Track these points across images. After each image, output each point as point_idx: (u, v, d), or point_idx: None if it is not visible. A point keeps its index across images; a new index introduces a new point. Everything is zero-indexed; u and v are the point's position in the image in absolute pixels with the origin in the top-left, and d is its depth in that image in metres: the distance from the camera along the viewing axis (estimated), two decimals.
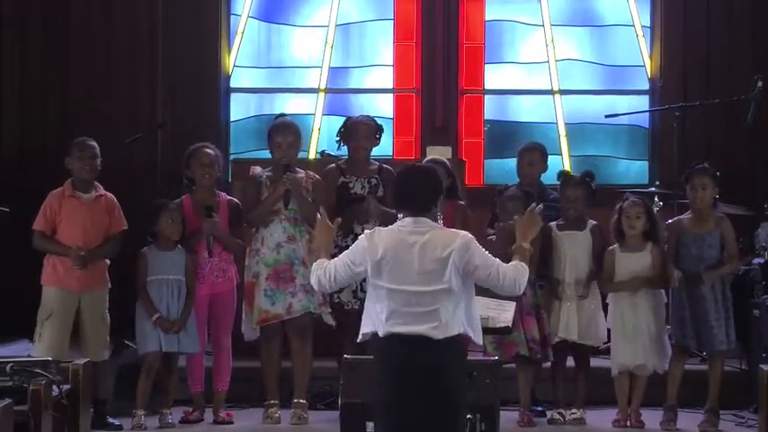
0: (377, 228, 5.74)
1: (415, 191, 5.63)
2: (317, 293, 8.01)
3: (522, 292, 5.85)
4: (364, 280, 7.79)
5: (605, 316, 8.17)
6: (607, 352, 8.27)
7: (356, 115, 8.82)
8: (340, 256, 5.77)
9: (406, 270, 5.49)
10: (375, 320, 5.59)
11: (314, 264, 5.86)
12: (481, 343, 5.84)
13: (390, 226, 5.69)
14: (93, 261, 7.97)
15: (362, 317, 5.74)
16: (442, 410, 5.48)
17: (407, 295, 5.48)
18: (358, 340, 5.79)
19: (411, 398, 5.45)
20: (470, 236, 5.63)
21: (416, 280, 5.48)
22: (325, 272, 5.74)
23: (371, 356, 5.76)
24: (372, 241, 5.57)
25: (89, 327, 7.98)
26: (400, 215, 5.67)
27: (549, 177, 8.73)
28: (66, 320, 7.93)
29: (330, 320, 8.09)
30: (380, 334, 5.54)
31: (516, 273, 5.64)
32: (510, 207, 7.99)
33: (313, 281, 5.85)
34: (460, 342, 5.58)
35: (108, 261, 8.13)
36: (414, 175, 5.79)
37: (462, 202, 8.34)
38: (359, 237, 5.75)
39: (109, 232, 8.08)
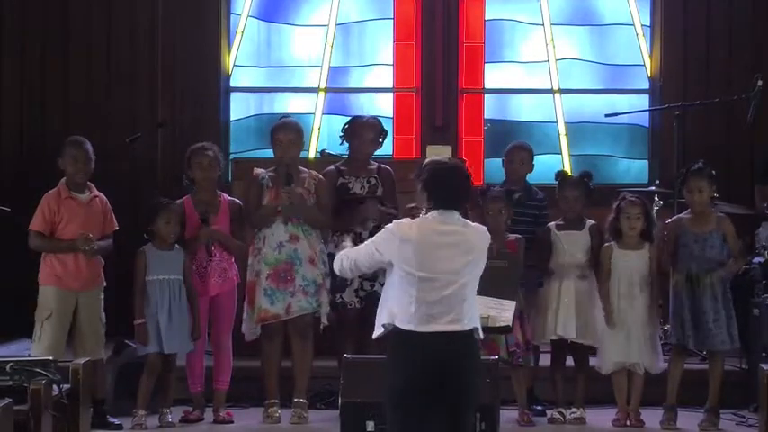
0: (405, 219, 5.80)
1: (454, 188, 5.71)
2: (318, 294, 8.03)
3: None
4: (366, 278, 7.79)
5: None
6: None
7: (363, 115, 8.78)
8: (365, 243, 5.84)
9: (438, 258, 5.55)
10: (398, 310, 5.59)
11: (340, 252, 5.94)
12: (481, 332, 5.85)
13: (417, 218, 5.73)
14: (98, 252, 7.98)
15: (379, 308, 5.73)
16: (459, 404, 5.54)
17: (438, 284, 5.53)
18: (374, 336, 5.75)
19: (429, 391, 5.48)
20: (487, 231, 5.79)
21: (448, 269, 5.55)
22: (348, 258, 5.84)
23: (374, 354, 5.75)
24: (402, 230, 5.63)
25: (87, 325, 7.97)
26: (424, 209, 5.72)
27: (548, 177, 8.74)
28: (64, 320, 7.92)
29: (325, 320, 8.08)
30: (405, 327, 5.54)
31: None
32: (494, 208, 8.01)
33: (336, 266, 5.93)
34: (476, 337, 5.66)
35: (102, 261, 8.13)
36: (450, 170, 5.80)
37: (479, 203, 8.34)
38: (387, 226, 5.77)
39: (103, 233, 8.08)
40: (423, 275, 5.55)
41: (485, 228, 5.81)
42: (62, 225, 7.98)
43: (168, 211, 8.06)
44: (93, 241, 7.91)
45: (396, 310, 5.62)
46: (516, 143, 9.03)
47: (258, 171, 8.25)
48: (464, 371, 5.53)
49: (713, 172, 8.08)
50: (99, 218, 8.07)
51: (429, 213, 5.68)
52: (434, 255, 5.56)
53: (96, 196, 8.10)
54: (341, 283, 8.04)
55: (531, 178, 8.72)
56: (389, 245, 5.64)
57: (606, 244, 8.14)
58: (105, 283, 8.10)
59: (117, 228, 8.14)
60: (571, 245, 8.17)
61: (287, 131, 8.18)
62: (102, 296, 8.07)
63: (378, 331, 5.72)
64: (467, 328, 5.59)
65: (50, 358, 6.14)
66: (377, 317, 5.75)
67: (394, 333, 5.61)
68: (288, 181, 8.02)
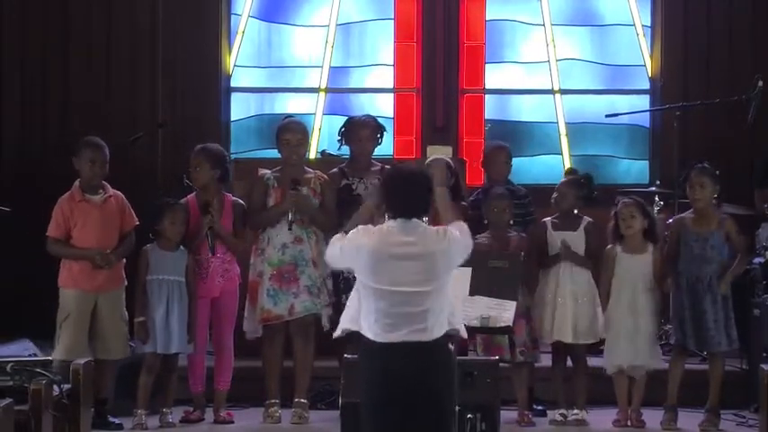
0: (367, 226, 5.64)
1: (409, 196, 5.53)
2: (321, 295, 8.01)
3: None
4: None
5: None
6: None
7: (358, 115, 8.80)
8: (345, 240, 5.59)
9: (394, 271, 5.41)
10: (359, 320, 5.49)
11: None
12: (464, 331, 5.74)
13: (379, 225, 5.62)
14: (117, 260, 7.99)
15: (343, 312, 5.68)
16: (431, 416, 5.44)
17: (395, 296, 5.41)
18: (334, 335, 5.72)
19: (397, 402, 5.39)
20: (453, 231, 5.54)
21: (405, 281, 5.41)
22: (334, 245, 5.63)
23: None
24: (360, 240, 5.49)
25: (108, 326, 7.97)
26: (386, 216, 5.61)
27: (548, 177, 8.75)
28: (82, 321, 7.93)
29: (326, 322, 8.08)
30: (368, 336, 5.46)
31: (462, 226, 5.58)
32: (498, 206, 8.04)
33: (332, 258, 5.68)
34: (447, 345, 5.51)
35: (124, 259, 8.13)
36: (407, 178, 5.63)
37: (465, 204, 8.36)
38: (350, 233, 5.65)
39: (122, 230, 8.08)
40: (380, 288, 5.42)
41: (444, 228, 5.56)
42: (77, 229, 7.98)
43: (173, 212, 8.06)
44: (109, 257, 7.91)
45: (357, 317, 5.52)
46: (496, 144, 9.06)
47: (263, 171, 8.24)
48: (429, 383, 5.39)
49: (716, 172, 8.08)
50: (115, 218, 8.07)
51: (388, 223, 5.53)
52: (391, 267, 5.40)
53: (111, 195, 8.10)
54: (346, 284, 8.04)
55: (535, 177, 8.73)
56: (349, 252, 5.51)
57: (609, 246, 8.13)
58: (126, 283, 8.10)
59: (137, 222, 8.13)
60: None
61: (294, 132, 8.19)
62: (124, 296, 8.07)
63: (337, 333, 5.66)
64: (432, 337, 5.42)
65: (50, 359, 6.14)
66: (342, 316, 5.66)
67: (361, 342, 5.51)
68: (294, 187, 8.01)
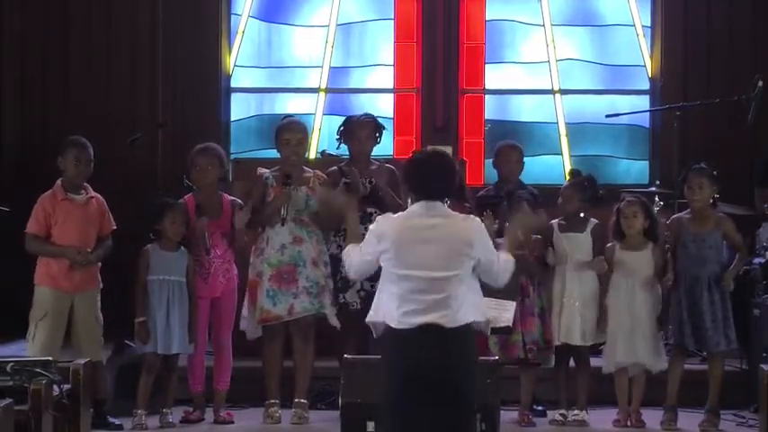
0: (387, 214, 5.70)
1: (434, 176, 5.56)
2: (322, 295, 8.01)
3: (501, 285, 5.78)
4: (367, 278, 7.82)
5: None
6: None
7: (357, 114, 8.81)
8: (359, 246, 5.67)
9: (417, 255, 5.42)
10: (385, 310, 5.52)
11: (344, 252, 5.81)
12: (486, 329, 5.79)
13: (401, 212, 5.65)
14: (95, 261, 7.98)
15: (372, 304, 5.67)
16: (451, 403, 5.43)
17: (418, 281, 5.42)
18: (366, 320, 5.70)
19: (420, 390, 5.40)
20: (479, 221, 5.61)
21: (429, 265, 5.41)
22: (349, 263, 5.71)
23: (376, 355, 5.71)
24: (382, 227, 5.53)
25: (83, 327, 7.95)
26: (409, 201, 5.64)
27: (548, 177, 8.75)
28: (59, 321, 7.91)
29: (335, 322, 8.08)
30: (391, 325, 5.45)
31: (508, 264, 5.66)
32: (522, 210, 8.05)
33: (349, 272, 5.83)
34: (471, 333, 5.52)
35: (99, 263, 8.12)
36: (432, 160, 5.67)
37: (468, 205, 8.36)
38: (369, 227, 5.69)
39: (99, 234, 8.08)
40: (402, 273, 5.43)
41: (473, 217, 5.64)
42: (58, 227, 7.96)
43: (174, 211, 8.06)
44: (86, 255, 7.90)
45: (383, 308, 5.54)
46: (508, 143, 9.02)
47: (262, 171, 8.24)
48: (453, 369, 5.39)
49: (715, 173, 8.08)
50: (96, 219, 8.06)
51: (411, 207, 5.57)
52: (414, 251, 5.42)
53: (93, 197, 8.09)
54: (344, 283, 8.06)
55: (535, 178, 8.72)
56: (371, 245, 5.53)
57: (609, 244, 8.13)
58: (102, 285, 8.10)
59: (115, 227, 8.14)
60: (572, 247, 8.16)
61: (294, 132, 8.19)
62: (99, 298, 8.07)
63: (374, 331, 5.67)
64: (457, 324, 5.41)
65: (50, 359, 6.13)
66: (371, 309, 5.65)
67: (384, 332, 5.52)
68: (286, 182, 8.01)
